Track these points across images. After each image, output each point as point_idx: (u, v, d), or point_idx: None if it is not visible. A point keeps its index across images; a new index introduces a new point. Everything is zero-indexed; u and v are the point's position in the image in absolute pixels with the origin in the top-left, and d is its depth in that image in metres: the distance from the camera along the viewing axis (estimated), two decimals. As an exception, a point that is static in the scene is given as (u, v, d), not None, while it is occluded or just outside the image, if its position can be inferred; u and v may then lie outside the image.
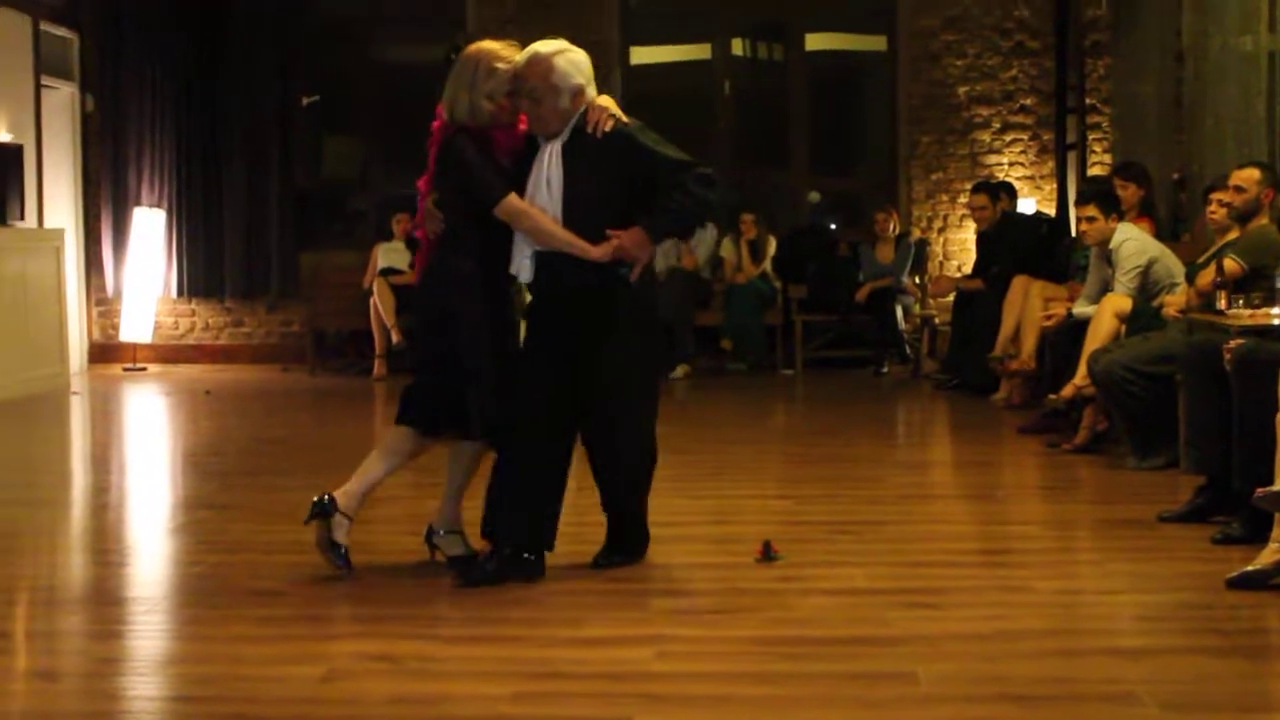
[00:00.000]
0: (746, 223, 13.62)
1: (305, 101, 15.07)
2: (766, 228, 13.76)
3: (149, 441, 10.76)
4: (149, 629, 5.31)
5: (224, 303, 14.91)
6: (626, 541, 5.99)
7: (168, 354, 14.86)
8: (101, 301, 14.86)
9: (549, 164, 5.61)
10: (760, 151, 15.24)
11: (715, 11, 14.99)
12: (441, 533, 5.94)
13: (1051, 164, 14.29)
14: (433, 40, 15.09)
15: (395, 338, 13.40)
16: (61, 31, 14.15)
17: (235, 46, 14.53)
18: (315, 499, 5.72)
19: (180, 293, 14.84)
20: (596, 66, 14.91)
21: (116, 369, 14.45)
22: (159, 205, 14.64)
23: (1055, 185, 14.16)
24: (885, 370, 13.22)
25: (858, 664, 4.67)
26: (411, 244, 6.18)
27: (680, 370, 13.17)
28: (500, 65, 5.62)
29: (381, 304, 13.48)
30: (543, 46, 5.67)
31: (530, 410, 5.68)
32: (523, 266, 5.64)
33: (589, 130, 5.63)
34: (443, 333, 5.70)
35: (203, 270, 14.76)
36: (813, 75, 15.08)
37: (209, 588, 5.81)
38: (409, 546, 6.42)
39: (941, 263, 14.27)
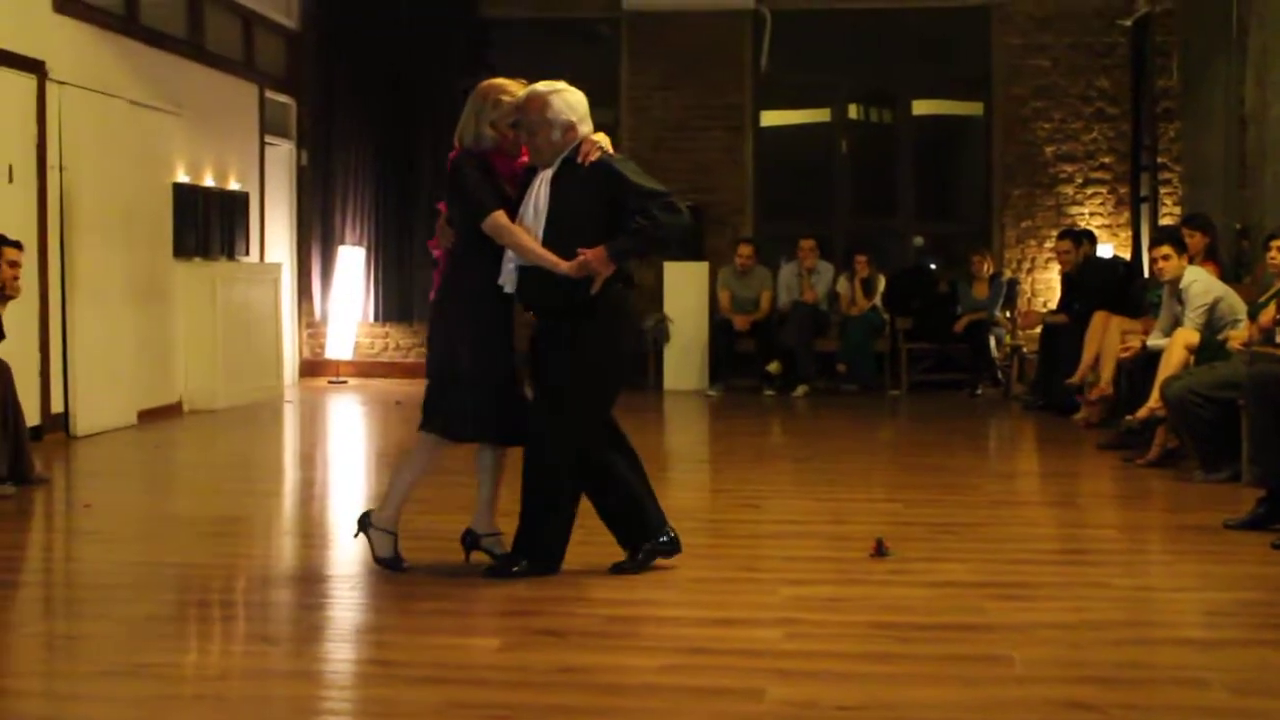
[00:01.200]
0: (860, 263, 13.53)
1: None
2: (877, 267, 13.65)
3: (349, 443, 10.88)
4: (349, 602, 5.37)
5: (413, 326, 15.02)
6: (522, 546, 5.58)
7: (365, 369, 15.03)
8: (310, 325, 15.07)
9: (538, 190, 5.44)
10: (872, 201, 15.12)
11: (834, 81, 14.89)
12: (485, 536, 5.73)
13: (1127, 214, 14.02)
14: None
15: (557, 358, 13.48)
16: (282, 98, 14.39)
17: (424, 109, 14.66)
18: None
19: (376, 318, 15.00)
20: (732, 127, 15.07)
21: (322, 382, 14.63)
22: (359, 244, 14.81)
23: (1130, 233, 13.89)
24: (979, 392, 13.03)
25: (960, 647, 4.60)
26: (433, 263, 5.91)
27: (800, 390, 13.11)
28: (505, 98, 5.49)
29: (546, 329, 13.54)
30: (542, 85, 5.50)
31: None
32: (509, 279, 5.46)
33: (578, 161, 5.45)
34: (455, 342, 5.54)
35: (395, 299, 14.91)
36: (918, 136, 14.93)
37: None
38: (571, 537, 6.44)
39: (1030, 299, 14.03)
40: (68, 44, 10.10)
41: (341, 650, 4.73)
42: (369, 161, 14.78)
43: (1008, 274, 13.86)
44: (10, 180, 9.47)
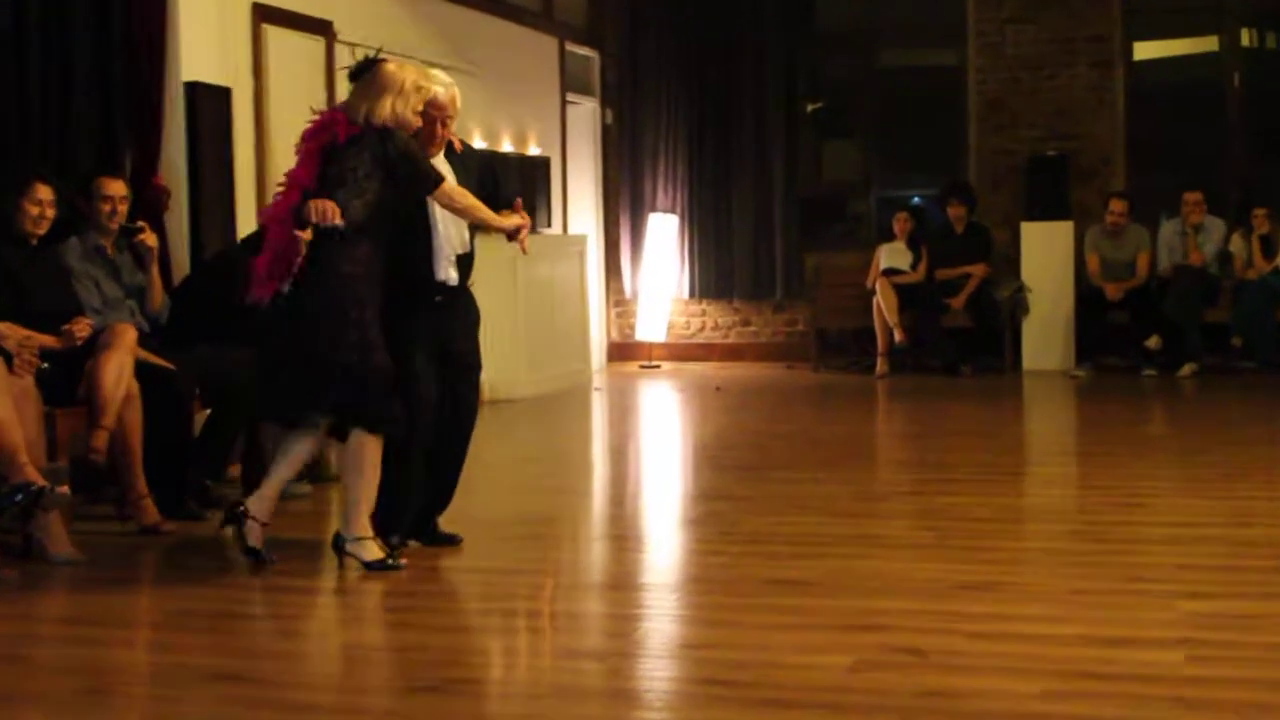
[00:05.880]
0: (1258, 217, 12.95)
1: (810, 108, 15.17)
2: (1279, 222, 13.09)
3: (664, 435, 11.00)
4: (670, 614, 5.39)
5: (732, 303, 15.15)
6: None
7: (679, 352, 15.19)
8: (619, 303, 15.33)
9: (444, 170, 6.21)
10: (1272, 144, 14.47)
11: (1221, 3, 14.33)
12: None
13: None
14: (933, 45, 15.00)
15: (899, 336, 13.35)
16: (583, 51, 14.65)
17: (743, 59, 14.75)
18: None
19: (691, 294, 15.17)
20: (1099, 63, 14.68)
21: (633, 366, 14.86)
22: (672, 211, 14.99)
23: None
24: None
25: None
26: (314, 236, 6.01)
27: (1187, 368, 12.68)
28: (424, 84, 6.13)
29: (884, 303, 13.43)
30: (445, 77, 6.36)
31: (427, 401, 6.18)
32: (449, 274, 6.28)
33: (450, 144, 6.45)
34: (341, 329, 5.91)
35: (713, 272, 15.04)
36: (1327, 64, 14.30)
37: (730, 576, 5.86)
38: (921, 540, 6.38)
39: None
40: (356, 3, 10.46)
41: (666, 668, 4.75)
42: (682, 119, 14.93)
43: None
44: (298, 150, 9.88)
